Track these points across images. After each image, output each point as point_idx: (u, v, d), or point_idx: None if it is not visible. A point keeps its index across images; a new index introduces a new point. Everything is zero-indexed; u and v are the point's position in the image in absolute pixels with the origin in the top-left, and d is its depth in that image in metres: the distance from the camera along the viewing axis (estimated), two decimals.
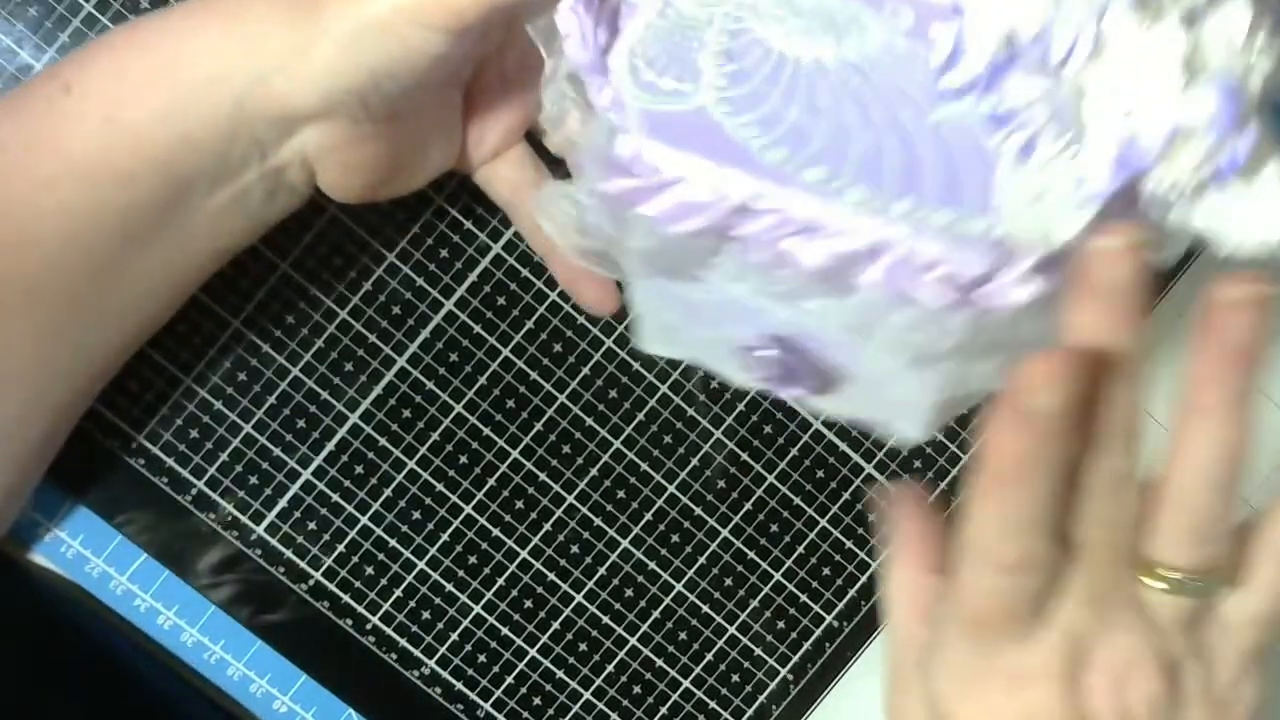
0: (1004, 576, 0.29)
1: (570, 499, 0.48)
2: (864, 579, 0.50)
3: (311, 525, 0.47)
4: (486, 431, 0.47)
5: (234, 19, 0.34)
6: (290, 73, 0.33)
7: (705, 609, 0.49)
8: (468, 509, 0.47)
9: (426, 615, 0.48)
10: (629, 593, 0.49)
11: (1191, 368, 0.28)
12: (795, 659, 0.50)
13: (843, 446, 0.49)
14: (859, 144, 0.29)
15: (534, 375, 0.47)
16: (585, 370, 0.47)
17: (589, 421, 0.47)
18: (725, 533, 0.49)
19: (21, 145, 0.35)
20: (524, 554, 0.48)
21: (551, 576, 0.48)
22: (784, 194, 0.29)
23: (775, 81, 0.30)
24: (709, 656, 0.50)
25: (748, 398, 0.48)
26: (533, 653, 0.49)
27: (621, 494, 0.48)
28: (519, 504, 0.48)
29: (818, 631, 0.50)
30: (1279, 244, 0.30)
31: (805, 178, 0.29)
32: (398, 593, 0.47)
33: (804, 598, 0.50)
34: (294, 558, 0.47)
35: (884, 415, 0.34)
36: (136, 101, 0.34)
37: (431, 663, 0.48)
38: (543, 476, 0.48)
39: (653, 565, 0.49)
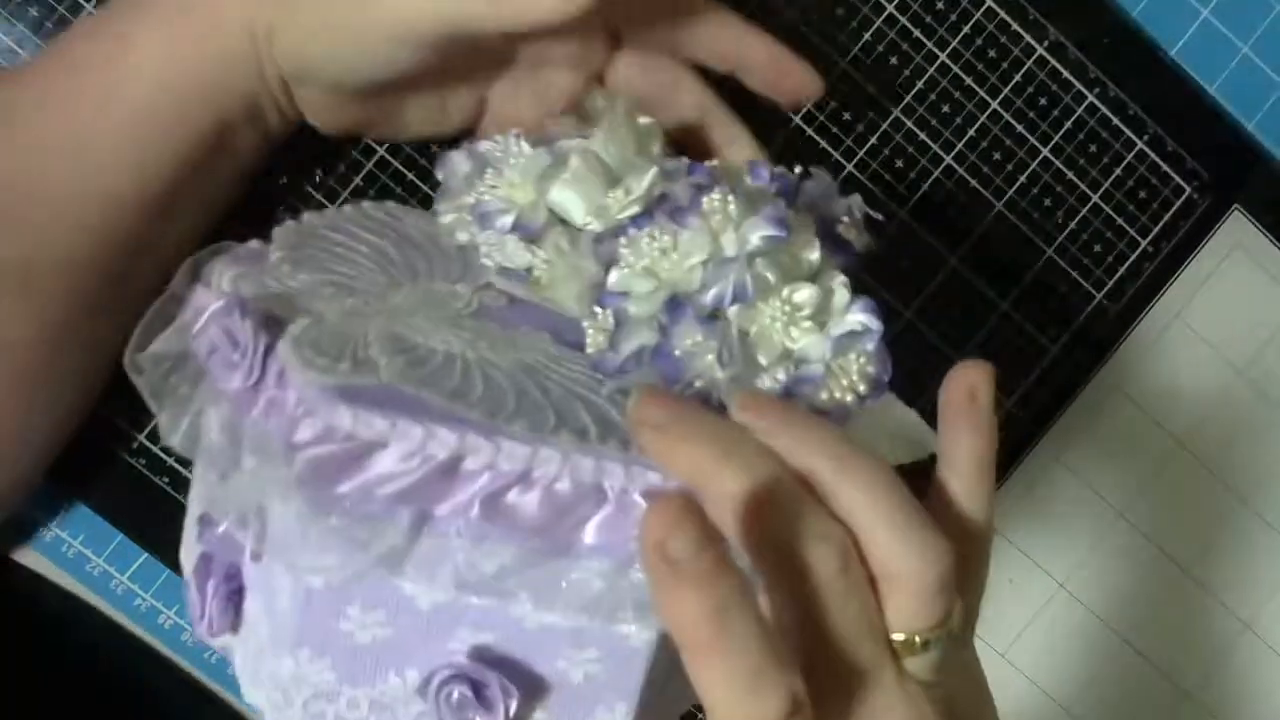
0: None
1: None
2: None
3: None
4: None
5: None
6: (277, 40, 0.37)
7: None
8: None
9: None
10: None
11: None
12: None
13: None
14: (552, 409, 0.29)
15: None
16: None
17: None
18: None
19: (91, 102, 0.36)
20: None
21: None
22: (493, 445, 0.28)
23: (450, 370, 0.30)
24: None
25: None
26: None
27: None
28: None
29: None
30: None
31: (511, 428, 0.28)
32: None
33: None
34: None
35: None
36: (190, 62, 0.36)
37: None
38: None
39: None
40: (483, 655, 0.30)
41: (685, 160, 0.35)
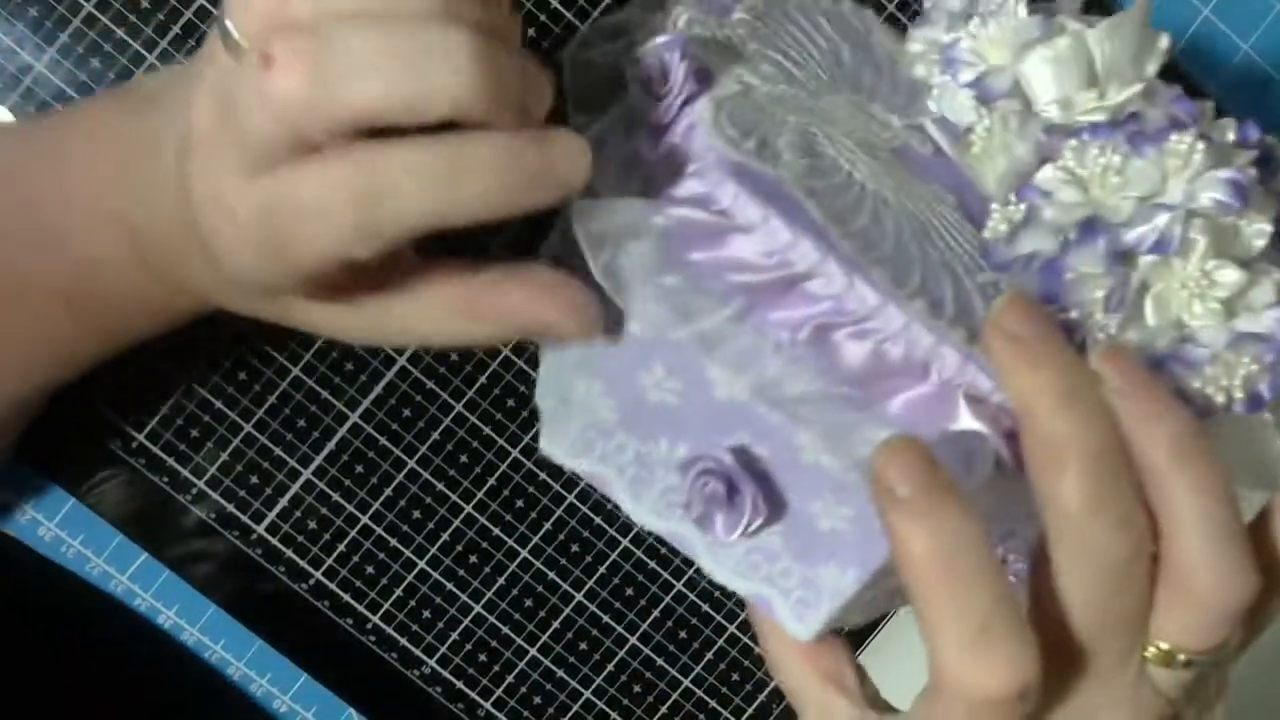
0: (989, 707, 0.25)
1: (570, 498, 0.48)
2: None
3: (311, 525, 0.47)
4: (487, 431, 0.47)
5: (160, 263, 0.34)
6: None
7: (705, 608, 0.49)
8: (468, 509, 0.47)
9: (427, 615, 0.48)
10: (629, 592, 0.49)
11: (1133, 436, 0.27)
12: None
13: None
14: (920, 270, 0.29)
15: (534, 374, 0.47)
16: None
17: None
18: None
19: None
20: (524, 554, 0.48)
21: (551, 576, 0.48)
22: (848, 281, 0.28)
23: (845, 191, 0.30)
24: (709, 656, 0.50)
25: None
26: (533, 652, 0.49)
27: None
28: (519, 504, 0.48)
29: None
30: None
31: (873, 271, 0.28)
32: (398, 592, 0.47)
33: None
34: (294, 557, 0.47)
35: (781, 593, 0.31)
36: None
37: (432, 662, 0.48)
38: (543, 476, 0.48)
39: (653, 564, 0.49)
40: (750, 464, 0.30)
41: (1177, 89, 0.33)
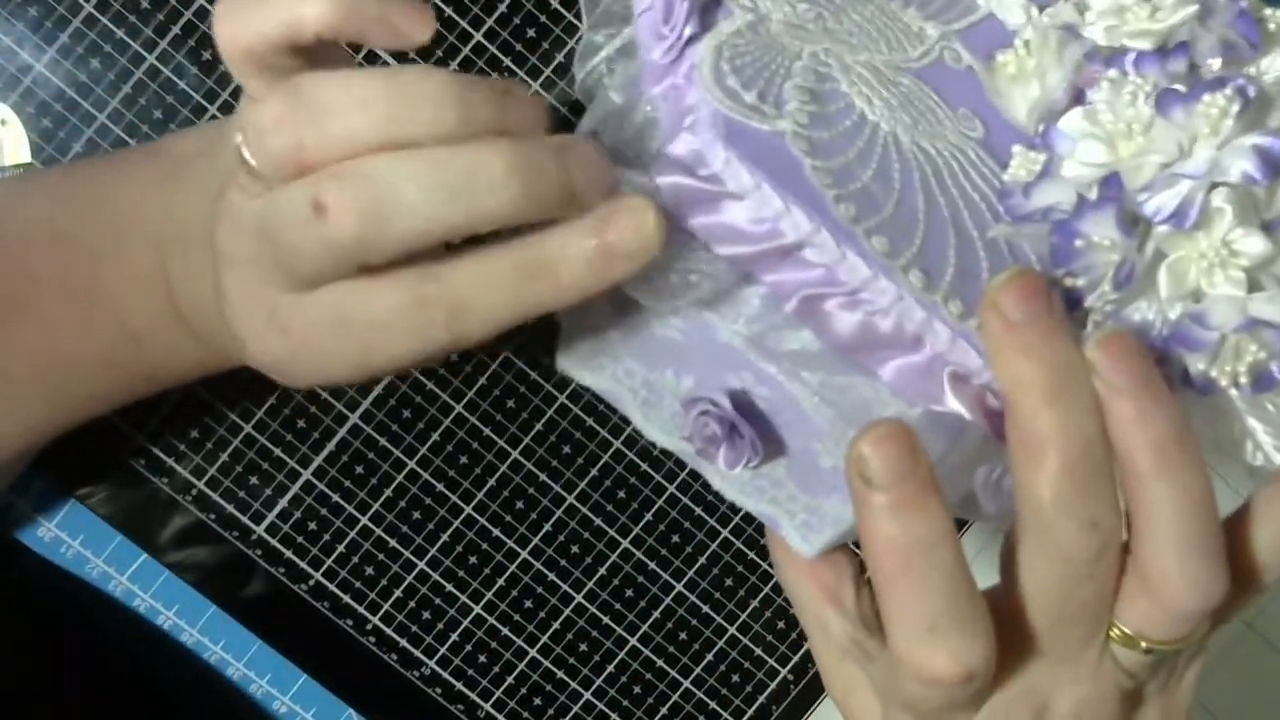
0: (935, 688, 0.26)
1: (570, 499, 0.48)
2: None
3: (311, 525, 0.47)
4: (486, 431, 0.47)
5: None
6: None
7: (705, 609, 0.49)
8: (468, 509, 0.47)
9: (426, 615, 0.48)
10: (629, 593, 0.49)
11: (1117, 434, 0.26)
12: (795, 659, 0.50)
13: None
14: (922, 231, 0.28)
15: (534, 375, 0.47)
16: None
17: (589, 421, 0.47)
18: (726, 532, 0.49)
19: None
20: (524, 554, 0.48)
21: (551, 576, 0.48)
22: (841, 252, 0.27)
23: (853, 139, 0.29)
24: (709, 656, 0.50)
25: None
26: (533, 653, 0.49)
27: (622, 494, 0.48)
28: (519, 504, 0.48)
29: None
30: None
31: (870, 244, 0.27)
32: (398, 593, 0.47)
33: None
34: (294, 558, 0.47)
35: (786, 514, 0.32)
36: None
37: (432, 663, 0.48)
38: (543, 476, 0.48)
39: (653, 565, 0.49)
40: (749, 407, 0.31)
41: (1241, 2, 0.30)
